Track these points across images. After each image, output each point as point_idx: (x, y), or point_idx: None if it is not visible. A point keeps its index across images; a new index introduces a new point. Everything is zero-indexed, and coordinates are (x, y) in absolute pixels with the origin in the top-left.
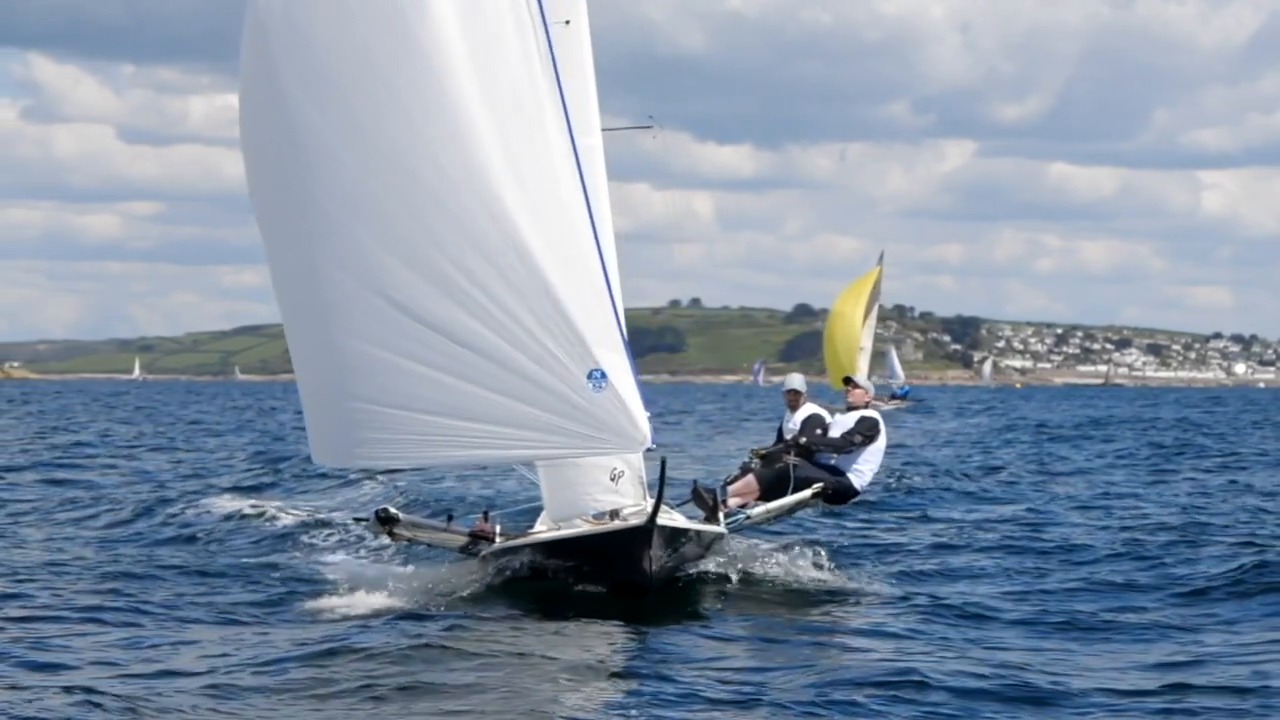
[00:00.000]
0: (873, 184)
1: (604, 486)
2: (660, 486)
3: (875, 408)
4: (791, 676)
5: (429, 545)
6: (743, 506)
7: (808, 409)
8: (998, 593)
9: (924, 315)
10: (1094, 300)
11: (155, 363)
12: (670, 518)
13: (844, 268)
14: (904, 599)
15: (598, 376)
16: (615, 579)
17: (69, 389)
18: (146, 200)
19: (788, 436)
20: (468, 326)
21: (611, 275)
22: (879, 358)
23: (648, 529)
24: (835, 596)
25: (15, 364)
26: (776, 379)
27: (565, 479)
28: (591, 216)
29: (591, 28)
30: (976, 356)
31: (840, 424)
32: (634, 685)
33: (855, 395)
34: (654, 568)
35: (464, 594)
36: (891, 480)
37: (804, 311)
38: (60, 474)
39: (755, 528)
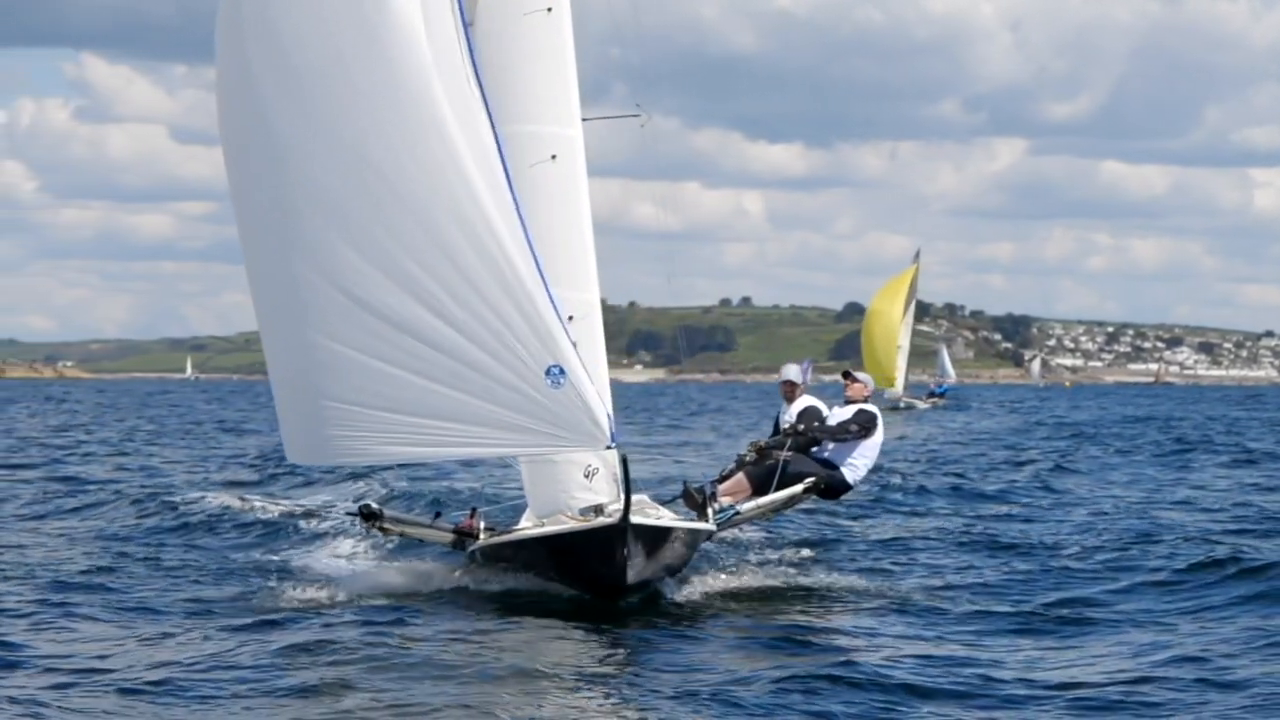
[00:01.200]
0: (923, 182)
1: (580, 484)
2: (626, 485)
3: (912, 405)
4: (751, 675)
5: (420, 540)
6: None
7: (804, 401)
8: (970, 588)
9: (975, 314)
10: (1145, 298)
11: (208, 362)
12: (657, 513)
13: (895, 266)
14: (874, 594)
15: (556, 373)
16: (590, 579)
17: (114, 388)
18: (199, 200)
19: (784, 428)
20: (429, 323)
21: (589, 270)
22: (930, 356)
23: (621, 528)
24: (810, 595)
25: (69, 363)
26: (828, 378)
27: (545, 475)
28: (520, 212)
29: (575, 15)
30: (1027, 355)
31: (837, 417)
32: (582, 685)
33: (854, 389)
34: (630, 567)
35: (431, 594)
36: (897, 479)
37: (854, 310)
38: (69, 470)
39: (746, 523)
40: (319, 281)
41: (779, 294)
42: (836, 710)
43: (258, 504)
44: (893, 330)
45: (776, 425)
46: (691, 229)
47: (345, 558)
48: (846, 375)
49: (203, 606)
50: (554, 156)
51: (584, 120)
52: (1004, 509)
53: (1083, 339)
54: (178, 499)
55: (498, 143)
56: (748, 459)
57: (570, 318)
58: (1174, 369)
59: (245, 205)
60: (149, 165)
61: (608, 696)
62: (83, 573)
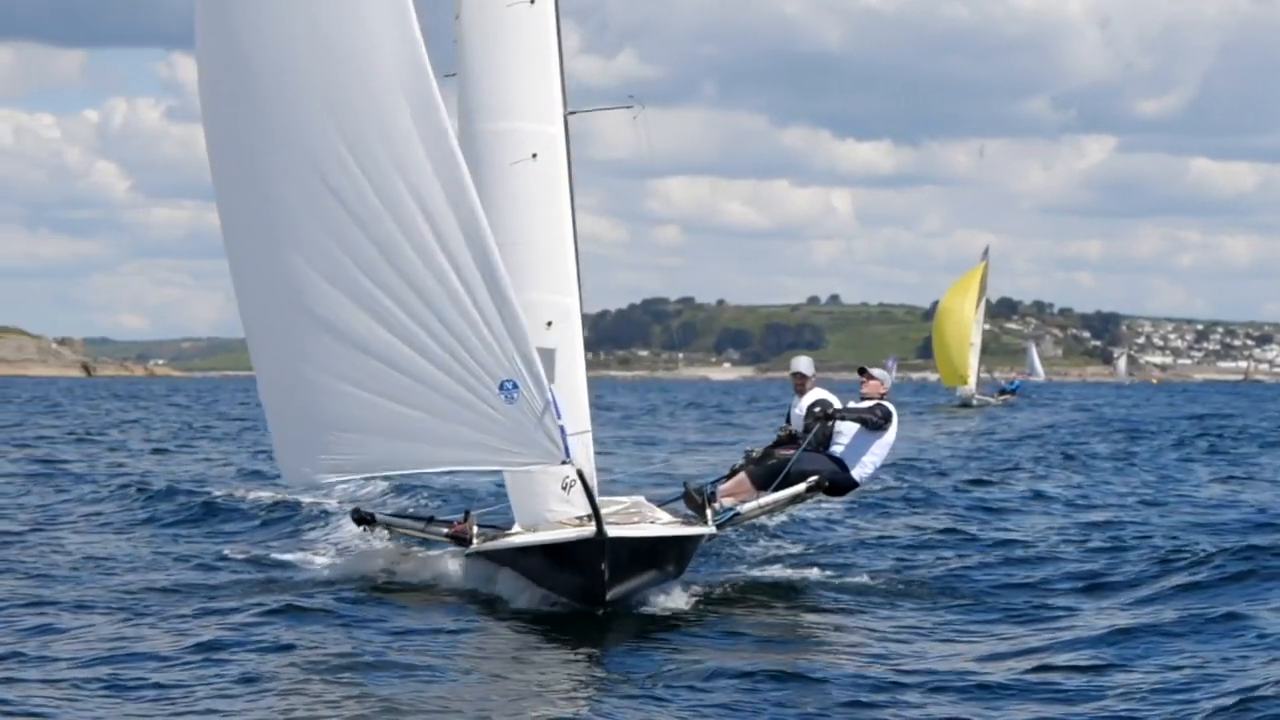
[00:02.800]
0: (1012, 180)
1: (559, 496)
2: (590, 500)
3: (986, 403)
4: (718, 670)
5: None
6: (740, 503)
7: (815, 393)
8: (948, 582)
9: (1063, 311)
10: (1235, 296)
11: None
12: (655, 517)
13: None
14: (856, 590)
15: (509, 388)
16: (571, 590)
17: (192, 386)
18: None
19: (794, 423)
20: (386, 341)
21: (568, 273)
22: (1020, 354)
23: (598, 541)
24: (788, 592)
25: (160, 362)
26: (917, 375)
27: (525, 486)
28: (480, 219)
29: (560, 7)
30: (1116, 353)
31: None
32: (543, 681)
33: (870, 386)
34: (609, 580)
35: (406, 595)
36: (920, 479)
37: None
38: (104, 463)
39: (748, 523)
40: (285, 303)
41: (867, 291)
42: (807, 703)
43: (266, 495)
44: (965, 328)
45: (788, 419)
46: (780, 227)
47: (342, 549)
48: (862, 372)
49: (177, 596)
50: (535, 155)
51: (573, 113)
52: (1018, 506)
53: (1172, 336)
54: (194, 490)
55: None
56: (754, 455)
57: (549, 323)
58: (1264, 366)
59: (225, 224)
60: None
61: (568, 693)
62: (74, 562)
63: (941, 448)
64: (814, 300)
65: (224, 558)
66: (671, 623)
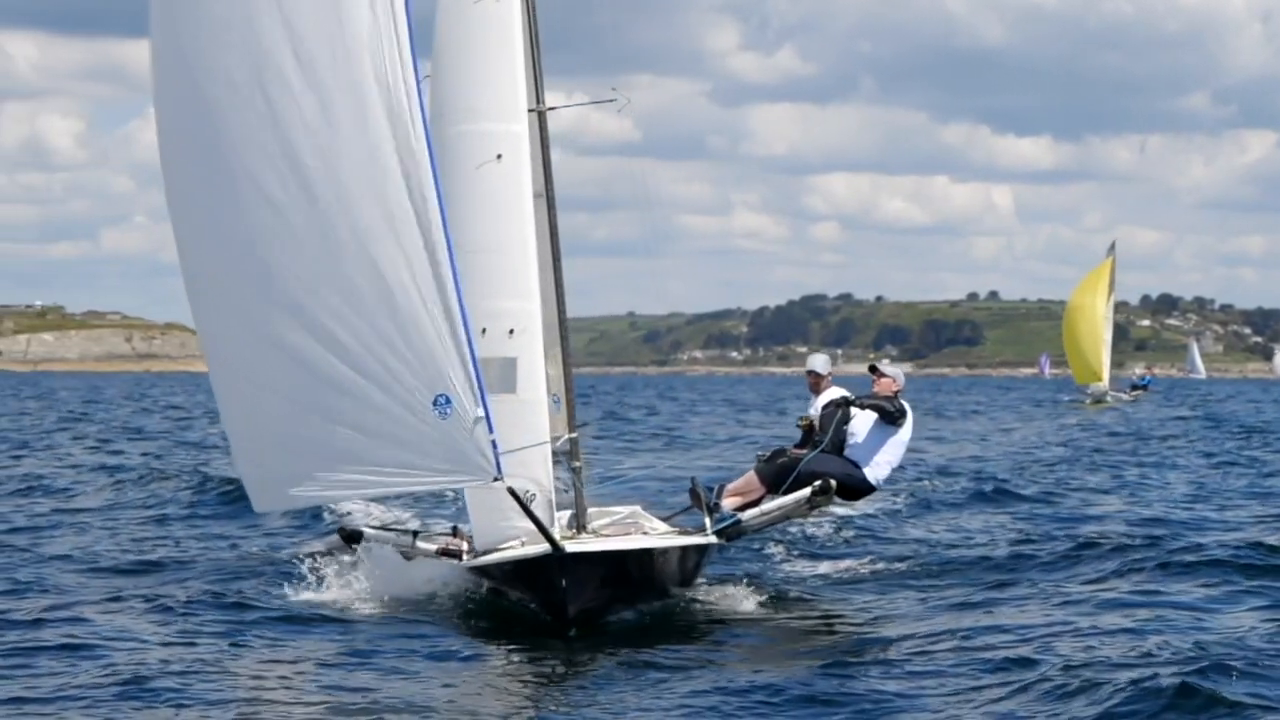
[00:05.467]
0: (1174, 175)
1: (520, 511)
2: (531, 516)
3: (1119, 399)
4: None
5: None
6: (750, 504)
7: (831, 393)
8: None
9: (1224, 308)
10: None
11: None
12: (650, 526)
13: (1144, 261)
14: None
15: (442, 403)
16: (542, 607)
17: None
18: None
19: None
20: (321, 358)
21: (529, 277)
22: (1181, 351)
23: (558, 558)
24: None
25: None
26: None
27: (484, 503)
28: (445, 225)
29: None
30: (1276, 349)
31: (863, 414)
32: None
33: (882, 384)
34: (571, 597)
35: (398, 604)
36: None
37: None
38: (156, 457)
39: (754, 532)
40: (230, 321)
41: (1027, 288)
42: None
43: None
44: (1097, 324)
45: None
46: (940, 222)
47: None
48: (873, 370)
49: (172, 587)
50: (499, 156)
51: (552, 109)
52: (1053, 505)
53: None
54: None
55: (429, 146)
56: (763, 456)
57: (511, 331)
58: None
59: (176, 236)
60: None
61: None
62: (84, 551)
63: (1025, 441)
64: (973, 296)
65: (250, 554)
66: (667, 621)
